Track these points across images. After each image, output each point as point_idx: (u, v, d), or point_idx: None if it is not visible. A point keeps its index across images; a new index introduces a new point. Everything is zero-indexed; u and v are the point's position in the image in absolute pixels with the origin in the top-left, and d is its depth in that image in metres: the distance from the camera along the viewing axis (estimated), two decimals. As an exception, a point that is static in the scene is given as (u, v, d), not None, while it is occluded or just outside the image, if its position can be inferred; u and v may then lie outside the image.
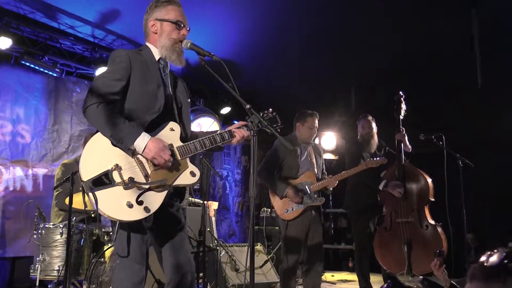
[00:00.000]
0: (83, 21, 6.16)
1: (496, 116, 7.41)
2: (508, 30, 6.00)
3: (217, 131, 2.90)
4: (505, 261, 1.13)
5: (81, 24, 6.22)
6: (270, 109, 3.04)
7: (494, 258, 1.17)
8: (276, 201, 4.87)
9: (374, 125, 5.63)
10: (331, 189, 4.91)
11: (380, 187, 5.21)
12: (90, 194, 2.43)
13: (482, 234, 7.87)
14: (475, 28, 5.63)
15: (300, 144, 5.01)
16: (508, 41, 6.20)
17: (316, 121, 5.02)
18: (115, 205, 2.46)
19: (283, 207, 4.79)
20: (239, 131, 2.87)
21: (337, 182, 4.87)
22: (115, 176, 2.50)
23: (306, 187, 4.81)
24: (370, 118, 5.65)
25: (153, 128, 2.67)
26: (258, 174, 4.98)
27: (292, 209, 4.75)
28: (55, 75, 6.54)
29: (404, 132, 5.22)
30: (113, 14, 5.94)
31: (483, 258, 1.21)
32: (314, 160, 5.03)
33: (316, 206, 4.86)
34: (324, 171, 5.19)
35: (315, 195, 4.83)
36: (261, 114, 2.92)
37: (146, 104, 2.67)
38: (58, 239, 4.61)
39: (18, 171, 6.23)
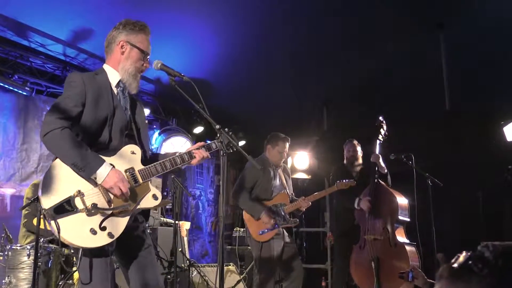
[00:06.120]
0: (55, 40, 6.10)
1: (463, 137, 7.57)
2: (474, 52, 6.19)
3: (176, 153, 2.90)
4: (469, 262, 1.22)
5: (53, 42, 6.17)
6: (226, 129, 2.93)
7: (460, 259, 1.26)
8: (250, 223, 4.89)
9: (359, 148, 5.78)
10: (304, 209, 4.99)
11: (355, 205, 5.26)
12: (52, 222, 2.36)
13: (451, 253, 7.96)
14: (443, 51, 5.78)
15: (272, 166, 5.05)
16: (474, 63, 6.39)
17: (287, 146, 5.10)
18: (78, 232, 2.42)
19: (258, 228, 4.82)
20: (199, 152, 2.89)
21: (310, 203, 4.96)
22: (78, 202, 2.45)
23: (280, 208, 4.88)
24: (355, 142, 5.81)
25: (110, 147, 2.67)
26: (233, 196, 5.02)
27: (267, 230, 4.78)
28: (25, 93, 6.43)
29: (379, 155, 5.25)
30: (85, 32, 5.90)
31: (452, 260, 1.30)
32: (284, 182, 5.10)
33: (288, 227, 4.93)
34: (292, 191, 5.26)
35: (288, 217, 4.93)
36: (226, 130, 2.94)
37: (94, 133, 2.64)
38: (25, 261, 4.48)
39: (-16, 191, 6.08)
